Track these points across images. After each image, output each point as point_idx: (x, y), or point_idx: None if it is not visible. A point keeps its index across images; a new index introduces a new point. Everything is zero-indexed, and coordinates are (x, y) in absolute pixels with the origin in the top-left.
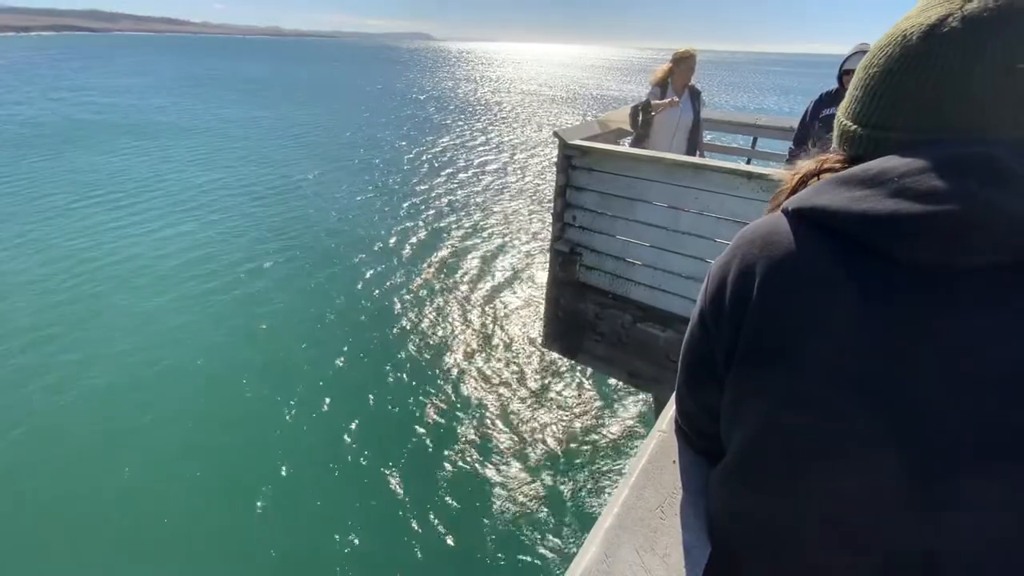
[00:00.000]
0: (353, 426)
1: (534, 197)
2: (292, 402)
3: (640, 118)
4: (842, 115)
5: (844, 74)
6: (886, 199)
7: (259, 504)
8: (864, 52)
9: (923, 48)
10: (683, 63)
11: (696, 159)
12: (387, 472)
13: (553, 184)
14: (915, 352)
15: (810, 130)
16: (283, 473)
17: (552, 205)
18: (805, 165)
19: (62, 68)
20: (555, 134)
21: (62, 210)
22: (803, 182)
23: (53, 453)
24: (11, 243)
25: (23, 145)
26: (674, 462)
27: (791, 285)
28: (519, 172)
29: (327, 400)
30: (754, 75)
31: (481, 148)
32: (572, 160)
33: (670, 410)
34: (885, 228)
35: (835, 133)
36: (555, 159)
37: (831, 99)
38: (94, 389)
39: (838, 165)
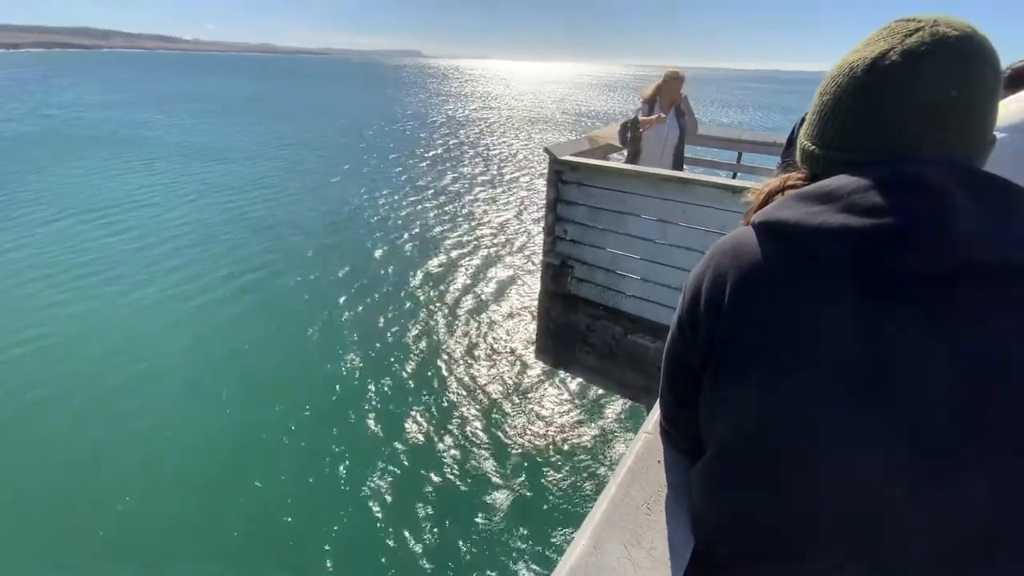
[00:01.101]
0: (345, 435)
1: (525, 210)
2: (282, 414)
3: (629, 135)
4: (802, 136)
5: None
6: (837, 214)
7: (245, 512)
8: None
9: (867, 79)
10: (671, 83)
11: (683, 174)
12: (379, 476)
13: (543, 198)
14: (870, 351)
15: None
16: (271, 483)
17: (543, 219)
18: (770, 183)
19: (51, 84)
20: (546, 150)
21: (46, 222)
22: (769, 198)
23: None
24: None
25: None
26: (659, 462)
27: (758, 292)
28: (509, 186)
29: (317, 410)
30: (737, 92)
31: (471, 162)
32: (562, 175)
33: (655, 412)
34: (836, 239)
35: (797, 153)
36: (545, 173)
37: None
38: (80, 392)
39: (800, 182)
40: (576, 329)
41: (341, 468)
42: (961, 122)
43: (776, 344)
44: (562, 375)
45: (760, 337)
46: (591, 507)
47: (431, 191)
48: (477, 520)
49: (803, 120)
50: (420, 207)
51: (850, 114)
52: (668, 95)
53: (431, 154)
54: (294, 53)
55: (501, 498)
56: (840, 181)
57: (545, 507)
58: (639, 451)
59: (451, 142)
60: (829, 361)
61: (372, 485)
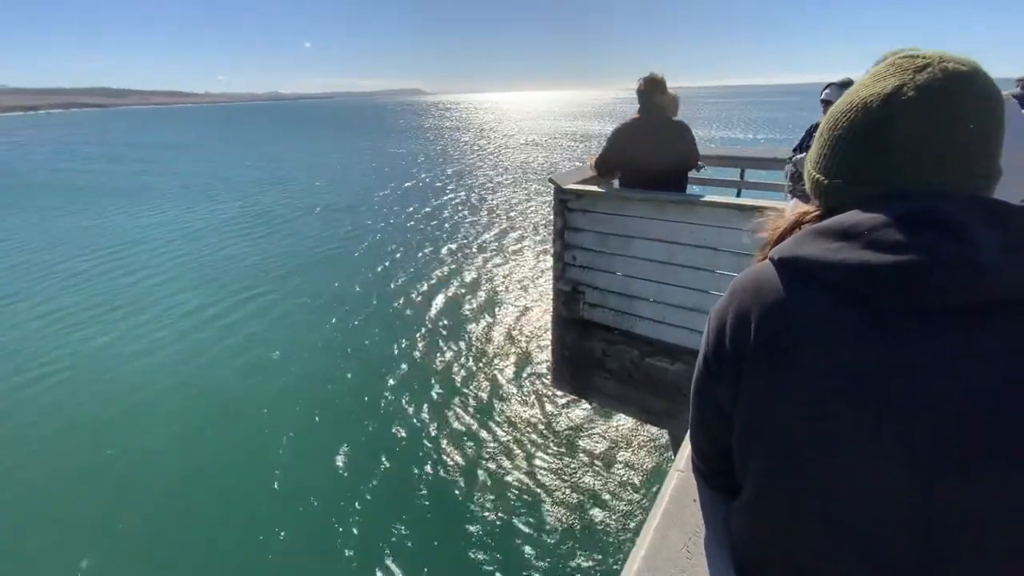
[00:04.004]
0: (358, 471)
1: (534, 237)
2: (302, 436)
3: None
4: (813, 170)
5: (824, 103)
6: (859, 250)
7: (258, 528)
8: (847, 85)
9: (883, 114)
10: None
11: (687, 196)
12: (394, 512)
13: (551, 223)
14: (897, 382)
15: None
16: (287, 507)
17: (552, 246)
18: (784, 220)
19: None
20: (550, 180)
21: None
22: (785, 233)
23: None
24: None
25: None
26: (694, 501)
27: (782, 327)
28: (517, 213)
29: (328, 436)
30: (740, 108)
31: (479, 190)
32: (568, 203)
33: (686, 449)
34: (859, 275)
35: (808, 185)
36: (550, 200)
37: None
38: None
39: (815, 217)
40: (592, 355)
41: (354, 503)
42: (976, 154)
43: (804, 382)
44: (582, 404)
45: (787, 375)
46: (620, 540)
47: (433, 222)
48: (493, 556)
49: (807, 133)
50: (424, 235)
51: (866, 148)
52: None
53: (442, 183)
54: (300, 98)
55: (528, 544)
56: (858, 217)
57: (575, 550)
58: (673, 491)
59: (453, 172)
60: (858, 397)
61: (387, 524)
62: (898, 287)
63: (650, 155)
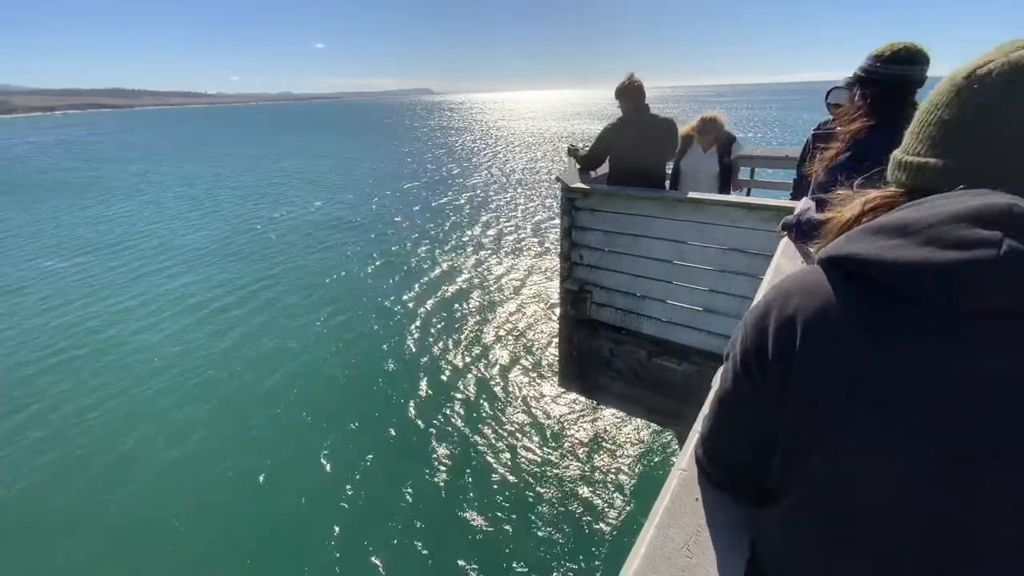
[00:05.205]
0: (364, 470)
1: (541, 237)
2: (309, 438)
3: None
4: (899, 152)
5: (830, 106)
6: (918, 248)
7: (256, 525)
8: (852, 85)
9: (963, 85)
10: (707, 123)
11: (695, 195)
12: (400, 506)
13: (558, 223)
14: (962, 388)
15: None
16: (305, 507)
17: (559, 246)
18: (846, 210)
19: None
20: (557, 179)
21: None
22: (850, 226)
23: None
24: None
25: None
26: (696, 500)
27: (835, 331)
28: (524, 213)
29: (338, 435)
30: (748, 108)
31: (486, 189)
32: (575, 202)
33: (689, 449)
34: (918, 274)
35: (889, 167)
36: (558, 198)
37: (825, 128)
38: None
39: (883, 202)
40: (600, 355)
41: (354, 504)
42: None
43: (860, 386)
44: (588, 403)
45: (839, 380)
46: (624, 541)
47: (443, 220)
48: (504, 556)
49: (814, 134)
50: (430, 233)
51: (945, 118)
52: (705, 135)
53: (449, 183)
54: (311, 99)
55: (530, 539)
56: (918, 213)
57: (575, 547)
58: (675, 489)
59: (466, 171)
60: (918, 400)
61: (391, 517)
62: (960, 286)
63: (639, 150)
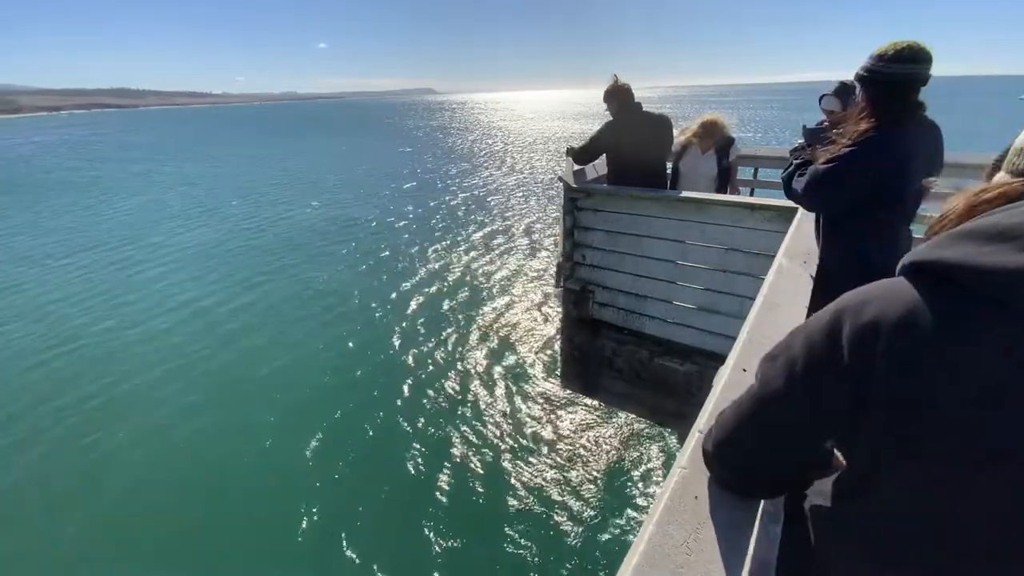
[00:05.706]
0: (368, 466)
1: (541, 237)
2: (311, 437)
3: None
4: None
5: (825, 112)
6: (1016, 254)
7: (252, 521)
8: (844, 91)
9: None
10: (709, 127)
11: (698, 195)
12: (400, 505)
13: (560, 222)
14: None
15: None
16: (305, 513)
17: (561, 246)
18: (956, 204)
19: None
20: (560, 178)
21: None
22: (967, 215)
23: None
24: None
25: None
26: (696, 498)
27: (925, 335)
28: (524, 213)
29: (337, 445)
30: (749, 108)
31: (486, 189)
32: (577, 202)
33: (689, 447)
34: (1015, 281)
35: (1009, 154)
36: (559, 197)
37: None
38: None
39: (997, 196)
40: (601, 354)
41: (356, 502)
42: None
43: (955, 396)
44: (589, 402)
45: (935, 385)
46: (624, 539)
47: (443, 220)
48: (504, 552)
49: (815, 128)
50: (433, 234)
51: None
52: (704, 138)
53: (449, 181)
54: (315, 98)
55: (530, 536)
56: (1012, 219)
57: (576, 545)
58: (675, 488)
59: (466, 169)
60: (1015, 409)
61: (392, 517)
62: None
63: (635, 147)
